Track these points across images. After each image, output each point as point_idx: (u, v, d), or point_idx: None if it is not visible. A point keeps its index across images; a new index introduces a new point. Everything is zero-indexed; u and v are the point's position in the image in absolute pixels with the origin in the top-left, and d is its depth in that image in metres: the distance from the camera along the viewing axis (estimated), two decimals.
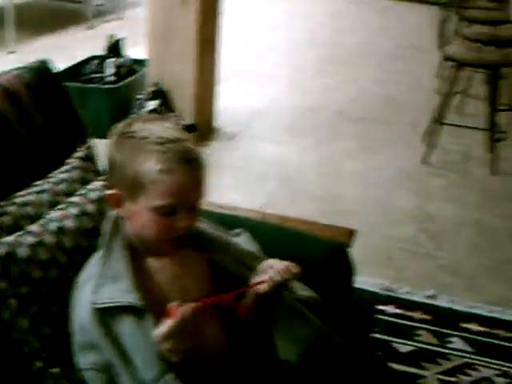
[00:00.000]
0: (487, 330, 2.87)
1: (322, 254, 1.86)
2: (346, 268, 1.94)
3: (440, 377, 2.56)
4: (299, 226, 2.16)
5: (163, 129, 1.47)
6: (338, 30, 7.36)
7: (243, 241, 1.72)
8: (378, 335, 2.73)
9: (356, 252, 3.17)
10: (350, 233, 2.16)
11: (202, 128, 4.29)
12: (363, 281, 3.01)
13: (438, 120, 4.38)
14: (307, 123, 4.84)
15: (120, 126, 1.51)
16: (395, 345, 2.70)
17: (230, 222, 1.84)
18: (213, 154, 4.18)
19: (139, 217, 1.47)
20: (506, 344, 2.80)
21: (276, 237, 1.91)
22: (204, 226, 1.65)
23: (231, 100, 4.89)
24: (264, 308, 1.54)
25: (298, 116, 4.96)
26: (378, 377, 1.71)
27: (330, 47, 6.72)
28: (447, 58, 4.49)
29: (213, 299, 1.43)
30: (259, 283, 1.50)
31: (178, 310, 1.34)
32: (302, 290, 1.63)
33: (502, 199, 4.02)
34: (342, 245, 2.00)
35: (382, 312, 2.88)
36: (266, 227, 1.97)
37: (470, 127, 4.58)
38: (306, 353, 1.53)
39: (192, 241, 1.56)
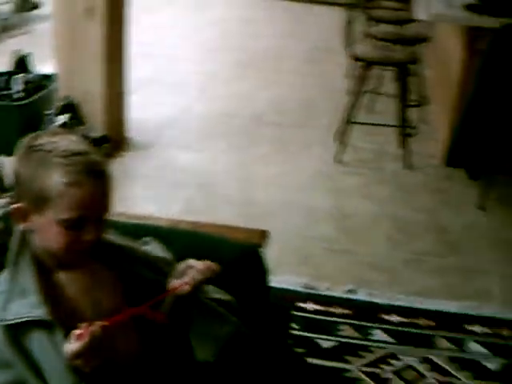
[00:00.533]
0: (407, 320, 2.94)
1: (234, 255, 1.87)
2: (259, 268, 1.96)
3: (364, 369, 2.61)
4: (213, 230, 2.17)
5: (69, 142, 1.47)
6: (251, 36, 7.41)
7: (153, 248, 1.72)
8: (300, 332, 2.76)
9: (275, 253, 3.21)
10: (263, 234, 2.17)
11: (115, 139, 4.26)
12: (283, 280, 3.05)
13: (349, 120, 4.46)
14: (221, 129, 4.85)
15: (26, 140, 1.49)
16: (318, 341, 2.74)
17: (141, 231, 1.83)
18: (126, 165, 4.15)
19: (46, 230, 1.46)
20: (426, 332, 2.87)
21: (188, 242, 1.91)
22: (112, 237, 1.63)
23: (143, 110, 4.86)
24: (182, 311, 1.55)
25: (211, 123, 4.96)
26: (297, 373, 1.73)
27: (243, 53, 6.76)
28: (355, 58, 4.58)
29: (125, 315, 1.43)
30: (180, 285, 1.51)
31: (87, 330, 1.33)
32: (215, 293, 1.64)
33: (415, 192, 4.13)
34: (255, 246, 2.01)
35: (303, 309, 2.92)
36: (177, 234, 1.97)
37: (381, 125, 4.69)
38: (224, 352, 1.54)
39: (101, 253, 1.56)
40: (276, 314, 2.01)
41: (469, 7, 4.16)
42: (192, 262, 1.58)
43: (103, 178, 1.47)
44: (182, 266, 1.58)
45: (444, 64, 5.06)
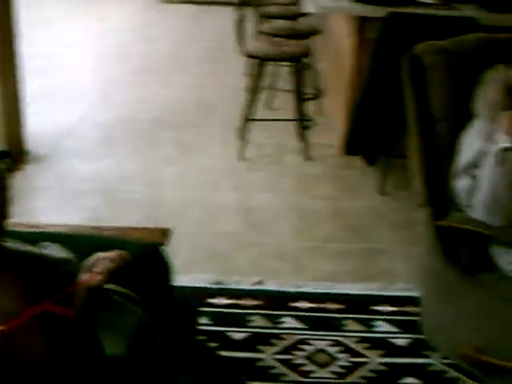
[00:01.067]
0: (316, 305, 3.02)
1: (135, 255, 1.89)
2: (161, 266, 1.98)
3: (276, 356, 2.66)
4: (116, 233, 2.18)
5: None
6: (147, 41, 7.40)
7: (52, 251, 1.72)
8: (212, 327, 2.79)
9: (184, 252, 3.26)
10: (164, 232, 2.20)
11: (14, 153, 4.19)
12: (193, 278, 3.09)
13: (248, 117, 4.53)
14: (122, 135, 4.83)
15: None
16: (229, 333, 2.78)
17: (40, 238, 1.83)
18: (27, 178, 4.09)
19: None
20: (336, 315, 2.95)
21: (89, 245, 1.90)
22: (10, 244, 1.63)
23: (41, 122, 4.80)
24: (91, 305, 1.56)
25: (111, 129, 4.93)
26: (206, 365, 1.76)
27: (140, 58, 6.75)
28: (249, 56, 4.64)
29: (24, 316, 1.43)
30: (91, 277, 1.53)
31: None
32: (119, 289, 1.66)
33: (316, 183, 4.23)
34: (156, 244, 2.04)
35: (214, 305, 2.95)
36: (77, 238, 1.98)
37: (279, 120, 4.77)
38: (132, 345, 1.56)
39: (1, 261, 1.55)
40: (182, 309, 2.04)
41: None
42: (101, 254, 1.60)
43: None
44: (90, 260, 1.60)
45: (337, 55, 5.19)
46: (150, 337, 1.63)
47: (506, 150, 2.27)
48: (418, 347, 2.76)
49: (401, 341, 2.81)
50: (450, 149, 2.49)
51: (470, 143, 2.41)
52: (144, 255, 1.94)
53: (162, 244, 2.09)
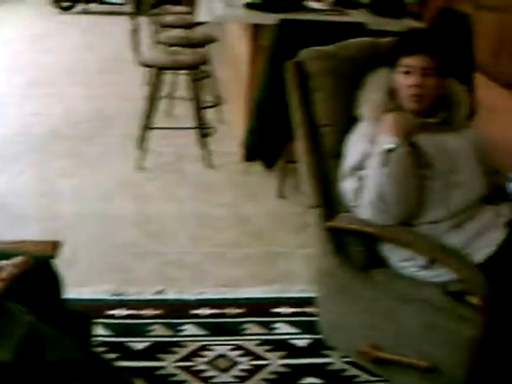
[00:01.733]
0: (217, 311, 3.03)
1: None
2: (51, 278, 1.96)
3: (177, 364, 2.66)
4: (6, 246, 2.14)
5: None
6: (43, 52, 7.28)
7: None
8: (112, 339, 2.77)
9: (83, 265, 3.22)
10: (54, 245, 2.17)
11: None
12: (92, 290, 3.06)
13: (147, 126, 4.51)
14: (16, 149, 4.72)
15: None
16: (130, 344, 2.75)
17: None
18: None
19: None
20: (236, 320, 2.97)
21: None
22: None
23: None
24: None
25: (6, 143, 4.82)
26: (99, 374, 1.75)
27: (35, 70, 6.63)
28: (145, 65, 4.63)
29: None
30: None
31: None
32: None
33: (217, 190, 4.25)
34: (45, 257, 2.01)
35: (113, 316, 2.92)
36: None
37: (179, 128, 4.77)
38: (20, 352, 1.54)
39: None
40: (74, 321, 2.02)
41: (249, 5, 4.33)
42: (3, 261, 1.59)
43: None
44: None
45: (235, 63, 5.23)
46: (40, 345, 1.62)
47: (390, 150, 2.35)
48: (318, 347, 2.80)
49: (301, 341, 2.85)
50: (337, 152, 2.54)
51: (355, 146, 2.48)
52: (33, 268, 1.91)
53: (51, 257, 2.06)
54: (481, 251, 2.36)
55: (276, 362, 2.72)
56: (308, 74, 2.61)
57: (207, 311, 3.02)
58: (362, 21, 4.04)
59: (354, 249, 2.53)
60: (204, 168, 4.53)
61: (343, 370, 2.67)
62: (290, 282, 3.28)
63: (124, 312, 2.96)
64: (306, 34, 3.72)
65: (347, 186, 2.46)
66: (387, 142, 2.36)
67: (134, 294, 3.09)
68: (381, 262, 2.52)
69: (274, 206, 4.04)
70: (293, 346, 2.82)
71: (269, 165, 4.15)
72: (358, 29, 3.83)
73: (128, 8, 6.07)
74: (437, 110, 2.57)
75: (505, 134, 5.36)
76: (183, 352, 2.73)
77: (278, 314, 3.04)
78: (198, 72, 4.74)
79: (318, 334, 2.81)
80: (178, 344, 2.78)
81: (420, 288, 2.39)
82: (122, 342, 2.77)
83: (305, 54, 2.63)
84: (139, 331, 2.84)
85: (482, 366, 2.26)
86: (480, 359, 2.23)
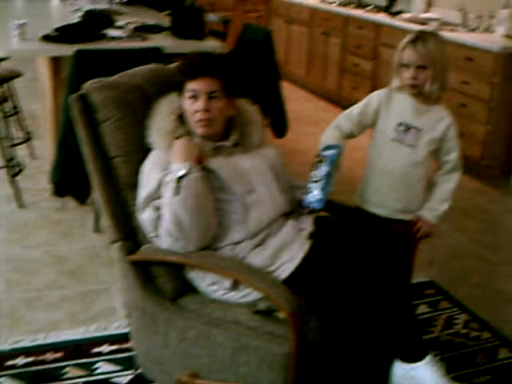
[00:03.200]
0: (34, 358, 2.90)
1: None
2: None
3: None
4: None
5: None
6: None
7: None
8: None
9: None
10: None
11: None
12: None
13: None
14: None
15: None
16: None
17: None
18: None
19: None
20: (55, 365, 2.86)
21: None
22: None
23: None
24: None
25: None
26: None
27: None
28: None
29: None
30: None
31: None
32: None
33: (31, 230, 4.08)
34: None
35: None
36: None
37: None
38: None
39: None
40: None
41: (45, 38, 4.20)
42: None
43: None
44: None
45: (43, 96, 5.10)
46: None
47: (181, 177, 2.32)
48: (139, 382, 2.75)
49: (122, 379, 2.79)
50: (133, 183, 2.49)
51: (149, 175, 2.43)
52: None
53: None
54: (285, 266, 2.39)
55: None
56: (93, 106, 2.53)
57: (24, 360, 2.89)
58: (161, 45, 4.03)
59: (161, 279, 2.49)
60: (16, 208, 4.34)
61: None
62: (109, 319, 3.20)
63: None
64: (102, 64, 3.65)
65: (144, 216, 2.41)
66: (178, 169, 2.34)
67: None
68: (191, 289, 2.50)
69: (91, 242, 3.94)
70: None
71: (81, 200, 4.04)
72: (155, 54, 3.81)
73: None
74: (229, 132, 2.58)
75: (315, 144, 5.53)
76: None
77: (99, 354, 2.96)
78: (4, 109, 4.56)
79: (138, 368, 2.76)
80: None
81: (229, 310, 2.38)
82: None
83: (88, 85, 2.55)
84: None
85: (304, 381, 2.28)
86: (300, 374, 2.24)
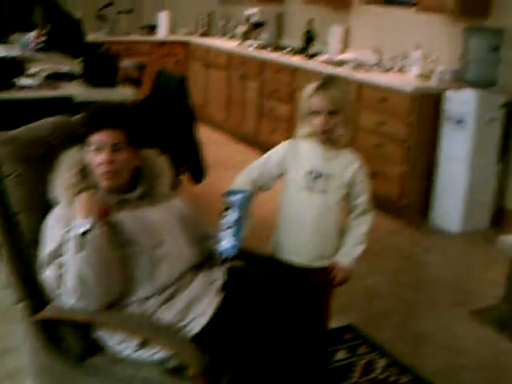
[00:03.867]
0: None
1: None
2: None
3: None
4: None
5: None
6: None
7: None
8: None
9: None
10: None
11: None
12: None
13: None
14: None
15: None
16: None
17: None
18: None
19: None
20: None
21: None
22: None
23: None
24: None
25: None
26: None
27: None
28: None
29: None
30: None
31: None
32: None
33: None
34: None
35: None
36: None
37: None
38: None
39: None
40: None
41: None
42: None
43: None
44: None
45: None
46: None
47: (85, 233, 2.25)
48: None
49: None
50: (37, 240, 2.40)
51: (52, 231, 2.35)
52: None
53: None
54: (196, 321, 2.33)
55: None
56: None
57: None
58: (72, 94, 3.96)
59: (68, 339, 2.39)
60: None
61: None
62: (19, 380, 3.06)
63: None
64: (11, 115, 3.56)
65: (48, 274, 2.32)
66: (81, 224, 2.26)
67: None
68: (99, 348, 2.41)
69: (1, 298, 3.78)
70: None
71: None
72: (66, 103, 3.74)
73: None
74: (135, 184, 2.52)
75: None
76: None
77: None
78: None
79: None
80: None
81: (139, 369, 2.30)
82: None
83: None
84: None
85: None
86: None
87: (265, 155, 2.94)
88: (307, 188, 2.82)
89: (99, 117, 2.45)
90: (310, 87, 2.79)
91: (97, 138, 2.41)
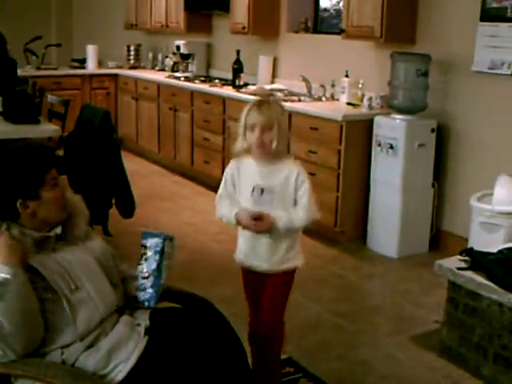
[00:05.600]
0: None
1: None
2: None
3: None
4: None
5: None
6: None
7: None
8: None
9: None
10: None
11: None
12: None
13: None
14: None
15: None
16: None
17: None
18: None
19: None
20: None
21: None
22: None
23: None
24: None
25: None
26: None
27: None
28: None
29: None
30: None
31: None
32: None
33: None
34: None
35: None
36: None
37: None
38: None
39: None
40: None
41: None
42: None
43: None
44: None
45: None
46: None
47: (4, 282, 2.09)
48: None
49: None
50: None
51: None
52: None
53: None
54: (121, 367, 2.20)
55: None
56: None
57: None
58: None
59: None
60: None
61: None
62: None
63: None
64: None
65: None
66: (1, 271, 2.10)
67: None
68: None
69: None
70: None
71: None
72: None
73: None
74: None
75: (170, 220, 5.39)
76: None
77: None
78: None
79: None
80: None
81: None
82: None
83: None
84: None
85: None
86: None
87: (222, 179, 2.99)
88: (256, 203, 2.85)
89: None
90: (248, 105, 2.86)
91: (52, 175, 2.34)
